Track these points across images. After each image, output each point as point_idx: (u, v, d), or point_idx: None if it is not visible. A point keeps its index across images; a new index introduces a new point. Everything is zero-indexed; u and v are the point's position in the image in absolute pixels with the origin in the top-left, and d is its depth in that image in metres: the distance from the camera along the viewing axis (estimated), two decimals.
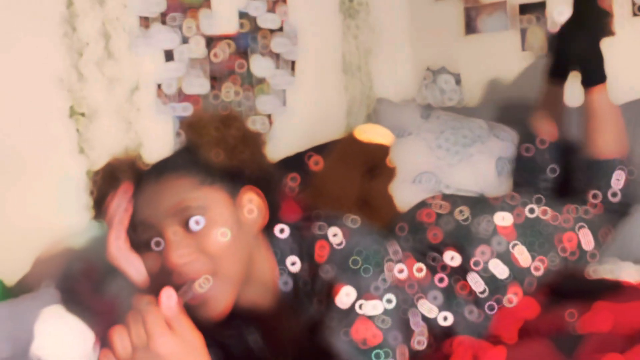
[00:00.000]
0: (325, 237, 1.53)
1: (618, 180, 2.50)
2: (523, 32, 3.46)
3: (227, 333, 1.72)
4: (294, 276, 1.57)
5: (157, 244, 1.42)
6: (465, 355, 1.67)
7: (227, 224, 1.44)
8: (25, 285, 2.20)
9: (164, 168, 1.47)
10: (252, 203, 1.53)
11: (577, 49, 2.60)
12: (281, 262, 1.58)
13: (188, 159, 1.48)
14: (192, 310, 1.40)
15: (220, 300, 1.43)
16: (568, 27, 2.67)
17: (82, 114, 2.42)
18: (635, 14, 3.10)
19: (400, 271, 1.66)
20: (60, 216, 2.37)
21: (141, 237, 1.45)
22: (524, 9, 3.45)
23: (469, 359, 1.65)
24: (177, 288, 1.36)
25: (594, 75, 2.56)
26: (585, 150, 2.58)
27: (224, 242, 1.42)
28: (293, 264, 1.57)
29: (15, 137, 2.29)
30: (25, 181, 2.31)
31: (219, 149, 1.45)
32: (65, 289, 1.92)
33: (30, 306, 1.77)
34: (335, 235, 1.53)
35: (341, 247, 1.52)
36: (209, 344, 1.71)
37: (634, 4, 3.09)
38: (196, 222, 1.40)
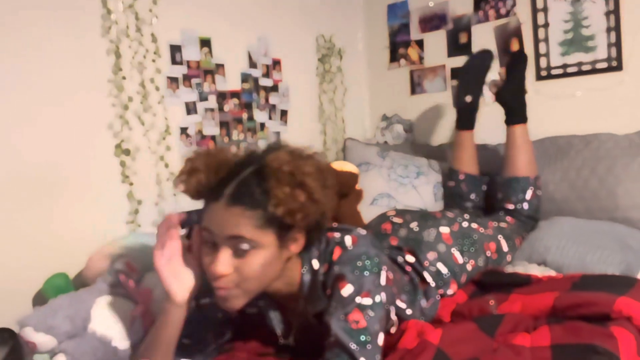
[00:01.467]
0: (342, 244, 1.53)
1: (529, 193, 2.57)
2: (456, 91, 3.46)
3: (252, 310, 1.72)
4: (314, 272, 1.56)
5: (213, 250, 1.43)
6: (413, 332, 1.68)
7: (263, 259, 1.42)
8: (81, 278, 2.20)
9: (239, 198, 1.41)
10: (296, 243, 1.50)
11: (507, 98, 2.72)
12: (306, 261, 1.56)
13: (257, 199, 1.41)
14: (217, 298, 1.46)
15: (236, 302, 1.45)
16: (505, 84, 2.78)
17: (125, 152, 2.42)
18: (538, 79, 3.14)
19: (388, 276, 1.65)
20: (108, 227, 2.37)
21: (205, 238, 1.45)
22: (456, 73, 3.43)
23: (415, 335, 1.66)
24: (214, 285, 1.44)
25: (517, 117, 2.67)
26: (506, 170, 2.65)
27: (255, 271, 1.42)
28: (315, 262, 1.56)
29: (76, 169, 2.30)
30: (84, 201, 2.32)
31: (280, 208, 1.39)
32: (112, 282, 1.93)
33: (87, 296, 1.78)
34: (348, 241, 1.54)
35: (351, 250, 1.52)
36: (236, 320, 1.73)
37: (539, 69, 3.14)
38: (245, 251, 1.40)
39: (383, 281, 1.50)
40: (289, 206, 1.39)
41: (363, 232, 1.60)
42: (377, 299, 1.47)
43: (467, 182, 2.80)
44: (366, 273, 1.47)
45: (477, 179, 2.81)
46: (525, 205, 2.56)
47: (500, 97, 2.77)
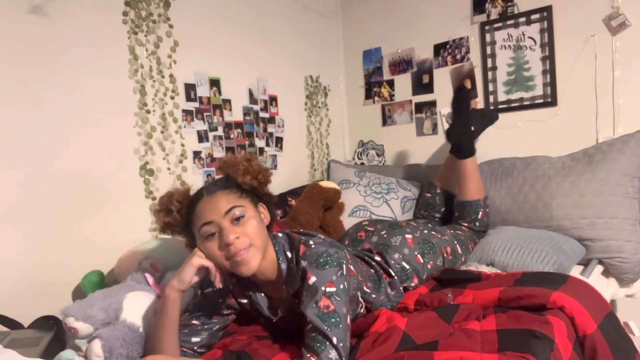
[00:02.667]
0: (306, 243, 1.60)
1: (480, 213, 2.56)
2: (419, 122, 3.49)
3: (244, 301, 1.76)
4: (288, 260, 1.62)
5: (218, 233, 1.51)
6: (384, 318, 1.71)
7: (254, 219, 1.54)
8: (113, 275, 2.22)
9: (215, 187, 1.56)
10: (263, 211, 1.63)
11: (455, 137, 2.66)
12: (280, 252, 1.63)
13: (228, 182, 1.59)
14: (237, 267, 1.52)
15: (254, 261, 1.52)
16: (452, 125, 2.71)
17: (149, 172, 2.43)
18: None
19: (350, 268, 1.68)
20: (134, 233, 2.38)
21: (207, 230, 1.51)
22: (419, 108, 3.48)
23: (385, 321, 1.70)
24: (232, 256, 1.49)
25: (466, 153, 2.61)
26: (460, 195, 2.62)
27: (254, 228, 1.53)
28: (288, 253, 1.63)
29: (108, 185, 2.31)
30: (115, 212, 2.33)
31: (247, 175, 1.58)
32: (139, 279, 1.93)
33: (119, 291, 1.78)
34: (312, 242, 1.60)
35: (314, 248, 1.57)
36: (234, 306, 1.76)
37: (488, 104, 3.15)
38: (240, 217, 1.52)
39: (345, 272, 1.54)
40: (251, 173, 1.59)
41: (322, 236, 1.67)
42: (341, 286, 1.51)
43: (442, 195, 2.77)
44: (327, 267, 1.52)
45: (450, 195, 2.77)
46: (477, 223, 2.55)
47: (449, 137, 2.69)
